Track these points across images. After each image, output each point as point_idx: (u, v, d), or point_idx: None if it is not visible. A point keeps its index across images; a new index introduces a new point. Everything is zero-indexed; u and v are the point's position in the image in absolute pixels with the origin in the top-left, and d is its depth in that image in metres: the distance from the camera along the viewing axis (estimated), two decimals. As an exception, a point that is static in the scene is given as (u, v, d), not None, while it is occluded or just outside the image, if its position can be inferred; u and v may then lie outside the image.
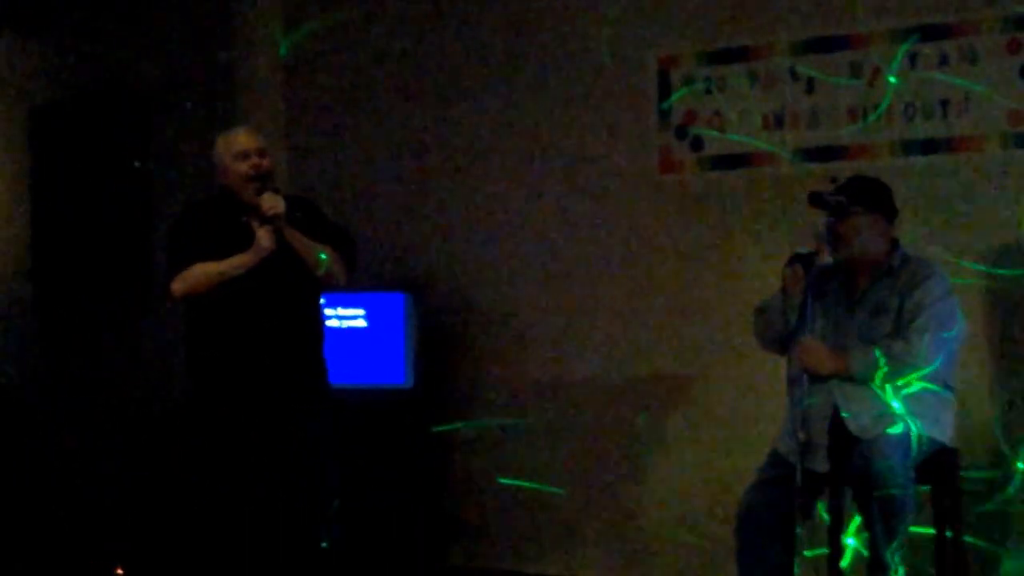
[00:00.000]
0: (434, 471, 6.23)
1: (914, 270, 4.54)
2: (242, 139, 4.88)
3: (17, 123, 7.75)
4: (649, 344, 5.85)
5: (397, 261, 6.40)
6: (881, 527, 4.24)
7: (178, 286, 4.79)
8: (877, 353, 4.42)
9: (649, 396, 5.85)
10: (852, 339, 4.53)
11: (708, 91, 5.70)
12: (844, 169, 5.03)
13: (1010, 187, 5.13)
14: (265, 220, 4.74)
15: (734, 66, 5.64)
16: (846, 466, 4.39)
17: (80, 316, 7.49)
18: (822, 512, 4.60)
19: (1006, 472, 5.10)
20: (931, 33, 5.24)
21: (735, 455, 5.43)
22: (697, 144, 5.74)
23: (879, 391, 4.44)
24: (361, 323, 6.05)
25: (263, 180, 4.80)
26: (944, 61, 5.22)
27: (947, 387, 4.55)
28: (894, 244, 4.61)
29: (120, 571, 5.97)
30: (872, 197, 4.56)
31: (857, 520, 4.40)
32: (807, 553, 4.39)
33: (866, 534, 4.32)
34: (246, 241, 4.76)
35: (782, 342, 4.64)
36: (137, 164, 6.50)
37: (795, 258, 4.49)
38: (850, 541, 4.56)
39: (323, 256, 4.81)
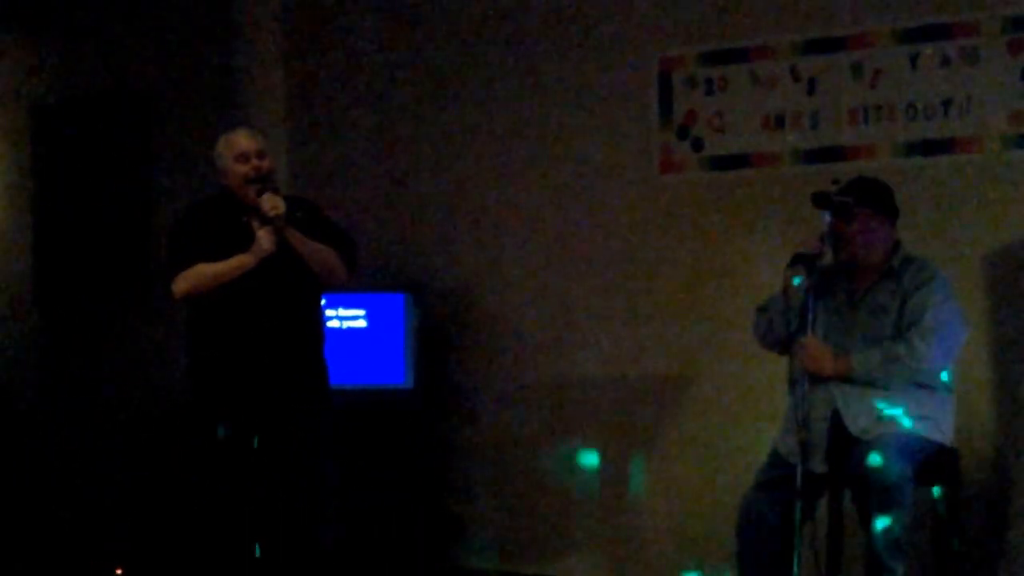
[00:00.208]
0: (434, 471, 6.23)
1: (915, 272, 4.54)
2: (242, 141, 4.88)
3: (18, 123, 7.75)
4: (649, 344, 5.85)
5: (397, 261, 6.40)
6: (880, 528, 4.24)
7: (179, 286, 4.79)
8: (878, 355, 4.42)
9: (648, 395, 5.85)
10: (853, 340, 4.53)
11: (709, 92, 5.70)
12: (845, 170, 5.03)
13: (1010, 188, 5.13)
14: (266, 220, 4.74)
15: (735, 67, 5.64)
16: (846, 467, 4.39)
17: (80, 316, 7.49)
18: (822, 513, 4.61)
19: (1006, 472, 5.11)
20: (932, 34, 5.24)
21: (735, 455, 5.43)
22: (698, 144, 5.74)
23: (879, 392, 4.44)
24: (361, 323, 6.05)
25: (263, 182, 4.80)
26: (945, 62, 5.22)
27: (947, 387, 4.56)
28: (896, 245, 4.62)
29: (120, 571, 5.97)
30: (877, 198, 4.56)
31: (856, 521, 4.40)
32: (807, 554, 4.39)
33: (865, 535, 4.32)
34: (247, 242, 4.76)
35: (783, 342, 4.64)
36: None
37: (797, 259, 4.49)
38: (850, 542, 4.57)
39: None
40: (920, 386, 4.47)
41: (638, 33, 5.86)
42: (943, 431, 4.51)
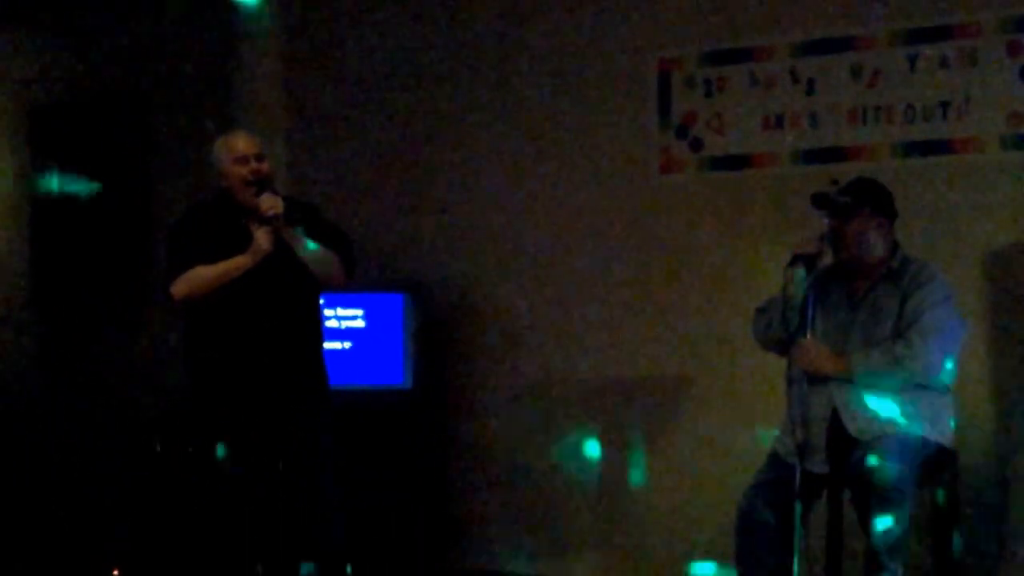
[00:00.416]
0: (433, 471, 6.24)
1: (914, 273, 4.54)
2: (241, 143, 4.88)
3: (17, 123, 7.75)
4: (648, 344, 5.85)
5: (396, 261, 6.40)
6: (879, 528, 4.24)
7: (178, 288, 4.79)
8: (878, 355, 4.42)
9: (648, 396, 5.86)
10: (852, 341, 4.53)
11: (708, 92, 5.70)
12: (844, 170, 5.03)
13: (1009, 188, 5.13)
14: (264, 221, 4.74)
15: (734, 67, 5.64)
16: (845, 467, 4.39)
17: (80, 316, 7.49)
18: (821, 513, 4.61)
19: (1006, 472, 5.11)
20: (931, 34, 5.24)
21: (735, 455, 5.43)
22: (697, 145, 5.74)
23: (878, 393, 4.44)
24: (360, 323, 6.05)
25: (261, 184, 4.80)
26: (944, 63, 5.22)
27: (946, 388, 4.56)
28: (895, 246, 4.62)
29: (117, 572, 5.96)
30: (876, 198, 4.56)
31: (856, 521, 4.40)
32: (806, 554, 4.39)
33: (864, 535, 4.32)
34: (246, 244, 4.76)
35: (782, 343, 4.63)
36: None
37: (797, 259, 4.49)
38: (849, 542, 4.57)
39: (311, 245, 4.80)
40: (919, 386, 4.47)
41: (637, 33, 5.86)
42: (942, 431, 4.51)
